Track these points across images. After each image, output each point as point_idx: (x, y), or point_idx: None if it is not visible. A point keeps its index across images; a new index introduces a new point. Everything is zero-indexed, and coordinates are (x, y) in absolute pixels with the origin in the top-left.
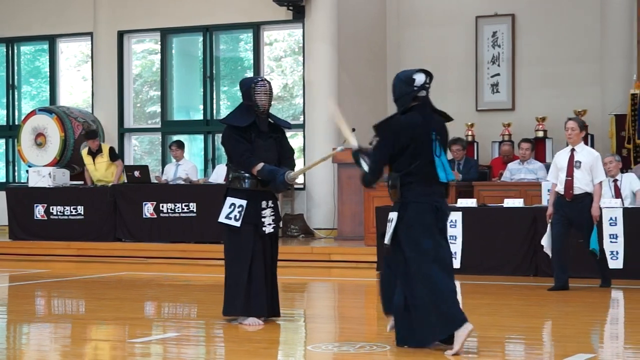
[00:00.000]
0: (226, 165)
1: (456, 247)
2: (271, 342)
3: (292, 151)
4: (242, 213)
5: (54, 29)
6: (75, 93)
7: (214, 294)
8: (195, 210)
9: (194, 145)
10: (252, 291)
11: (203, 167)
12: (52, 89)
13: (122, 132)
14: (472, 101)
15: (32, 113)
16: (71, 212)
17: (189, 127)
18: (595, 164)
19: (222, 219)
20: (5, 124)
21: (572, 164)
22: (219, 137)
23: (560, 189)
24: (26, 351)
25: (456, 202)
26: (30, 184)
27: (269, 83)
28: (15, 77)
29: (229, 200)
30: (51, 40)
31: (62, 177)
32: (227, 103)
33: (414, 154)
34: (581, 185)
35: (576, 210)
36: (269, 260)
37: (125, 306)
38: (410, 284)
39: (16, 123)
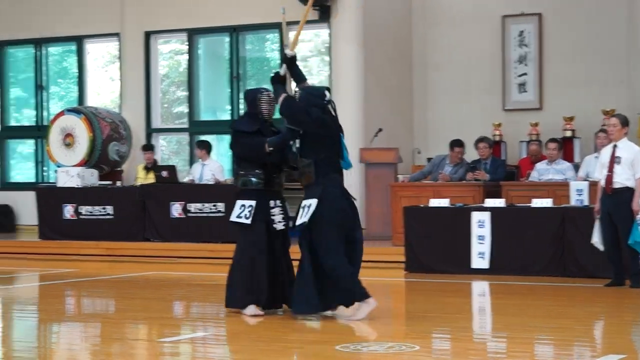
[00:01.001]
0: (233, 169)
1: (485, 247)
2: (300, 342)
3: (295, 155)
4: (252, 212)
5: (82, 30)
6: (103, 93)
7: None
8: (223, 210)
9: (221, 145)
10: (254, 283)
11: (231, 166)
12: (80, 89)
13: (150, 132)
14: (499, 101)
15: (61, 113)
16: (100, 212)
17: (216, 127)
18: (636, 159)
19: (233, 218)
20: (34, 124)
21: (613, 160)
22: None
23: (602, 183)
24: (56, 350)
25: (484, 202)
26: (59, 184)
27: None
28: (44, 77)
29: (239, 202)
30: (79, 41)
31: (91, 177)
32: None
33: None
34: (621, 180)
35: (615, 204)
36: (278, 255)
37: (154, 305)
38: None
39: (45, 123)
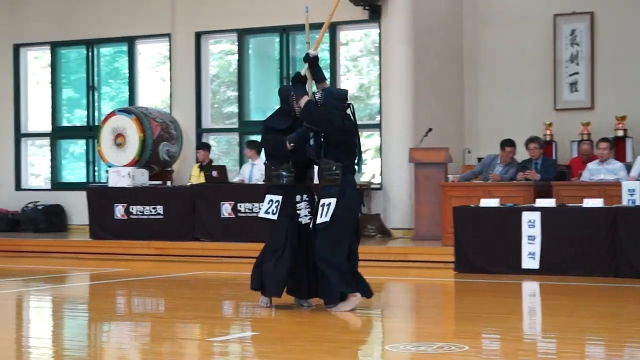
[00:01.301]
0: (264, 164)
1: (535, 247)
2: (349, 342)
3: (315, 150)
4: (279, 207)
5: (133, 31)
6: (153, 94)
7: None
8: None
9: None
10: (274, 276)
11: None
12: (131, 89)
13: (200, 132)
14: (550, 100)
15: (112, 114)
16: (150, 211)
17: None
18: None
19: (261, 214)
20: (85, 124)
21: None
22: None
23: None
24: (106, 349)
25: (534, 202)
26: (110, 184)
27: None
28: (95, 78)
29: (267, 197)
30: (130, 42)
31: (142, 177)
32: None
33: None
34: None
35: None
36: (303, 248)
37: (203, 305)
38: None
39: (96, 124)
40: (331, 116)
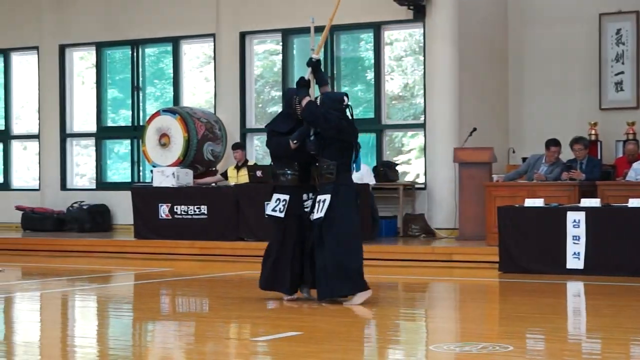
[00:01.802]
0: (270, 165)
1: (580, 247)
2: (393, 342)
3: (314, 144)
4: (286, 206)
5: (178, 31)
6: (198, 94)
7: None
8: None
9: None
10: (279, 272)
11: None
12: (175, 89)
13: (244, 132)
14: (595, 100)
15: (157, 114)
16: (195, 211)
17: None
18: None
19: (268, 211)
20: (130, 124)
21: None
22: None
23: None
24: (151, 348)
25: (579, 202)
26: (155, 184)
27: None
28: (140, 78)
29: (275, 196)
30: (175, 42)
31: (186, 176)
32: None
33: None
34: None
35: None
36: (311, 243)
37: (247, 305)
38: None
39: (141, 124)
40: (329, 115)
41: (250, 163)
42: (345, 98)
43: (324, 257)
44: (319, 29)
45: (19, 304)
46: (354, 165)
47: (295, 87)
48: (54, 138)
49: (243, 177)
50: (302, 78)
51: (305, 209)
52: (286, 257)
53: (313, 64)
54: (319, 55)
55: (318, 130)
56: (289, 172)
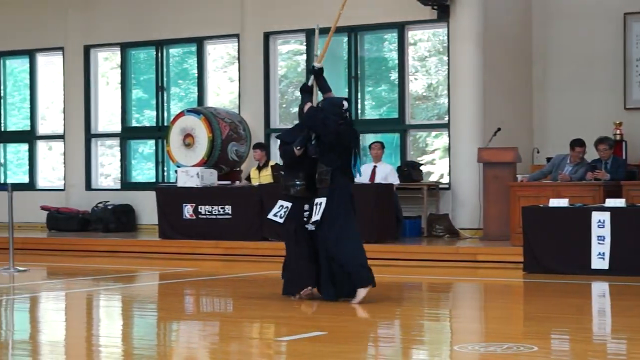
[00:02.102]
0: (280, 174)
1: (605, 248)
2: (417, 342)
3: (315, 148)
4: (287, 213)
5: (202, 32)
6: (222, 94)
7: None
8: None
9: None
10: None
11: None
12: (199, 90)
13: (269, 132)
14: (620, 99)
15: (181, 114)
16: (219, 211)
17: None
18: None
19: (270, 216)
20: (154, 125)
21: None
22: (363, 137)
23: None
24: (175, 348)
25: (604, 202)
26: (179, 184)
27: None
28: (165, 79)
29: (279, 202)
30: (199, 43)
31: (210, 176)
32: (371, 103)
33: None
34: None
35: None
36: (312, 247)
37: (272, 305)
38: None
39: (165, 124)
40: (327, 121)
41: (272, 163)
42: (345, 103)
43: (324, 258)
44: (324, 31)
45: (44, 303)
46: (355, 170)
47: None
48: (79, 138)
49: (266, 177)
50: (305, 84)
51: (305, 218)
52: (301, 256)
53: (315, 72)
54: (321, 63)
55: (319, 135)
56: (297, 182)
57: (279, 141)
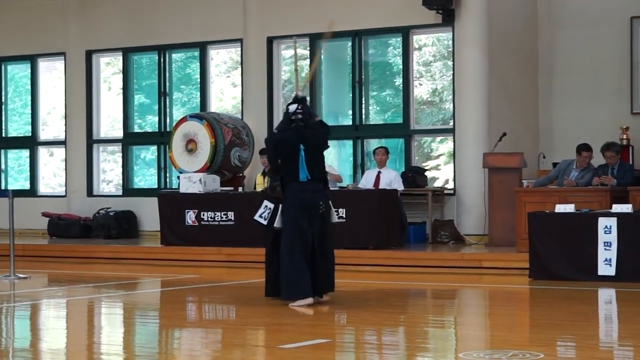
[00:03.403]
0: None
1: (611, 254)
2: (422, 349)
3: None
4: (270, 214)
5: (205, 36)
6: (225, 99)
7: (366, 300)
8: (344, 215)
9: (342, 151)
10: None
11: (352, 172)
12: (202, 95)
13: None
14: (627, 104)
15: (183, 119)
16: (222, 217)
17: (338, 132)
18: None
19: (256, 217)
20: (157, 130)
21: None
22: (367, 143)
23: None
24: (177, 356)
25: (611, 208)
26: (182, 190)
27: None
28: (167, 84)
29: (264, 202)
30: (202, 47)
31: (213, 183)
32: (376, 108)
33: (286, 161)
34: None
35: None
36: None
37: (275, 312)
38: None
39: (168, 130)
40: (269, 139)
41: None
42: (293, 106)
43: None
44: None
45: (45, 310)
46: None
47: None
48: (80, 144)
49: None
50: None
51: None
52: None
53: (297, 101)
54: (303, 92)
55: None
56: (279, 187)
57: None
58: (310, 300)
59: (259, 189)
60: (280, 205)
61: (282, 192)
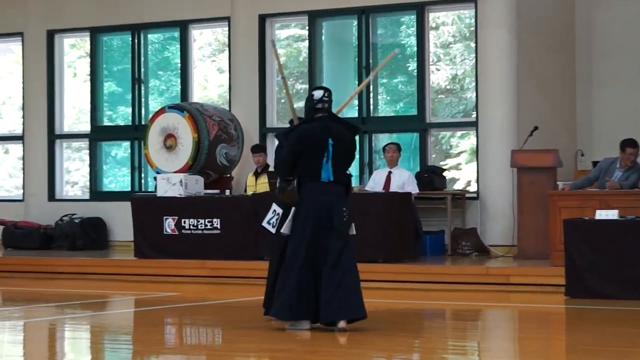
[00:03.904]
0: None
1: None
2: None
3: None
4: (278, 220)
5: (186, 14)
6: (209, 87)
7: (375, 322)
8: None
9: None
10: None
11: (358, 172)
12: (183, 82)
13: (264, 132)
14: None
15: (161, 111)
16: (206, 225)
17: None
18: None
19: (264, 222)
20: (130, 123)
21: None
22: (376, 138)
23: None
24: None
25: None
26: (159, 193)
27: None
28: (142, 69)
29: (273, 206)
30: (183, 27)
31: (195, 185)
32: (386, 98)
33: (309, 157)
34: None
35: None
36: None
37: (268, 335)
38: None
39: (143, 123)
40: (289, 129)
41: (272, 169)
42: (318, 93)
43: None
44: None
45: None
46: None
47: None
48: (40, 140)
49: (263, 185)
50: (291, 121)
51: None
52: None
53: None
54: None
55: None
56: (290, 184)
57: (276, 141)
58: (307, 324)
59: (250, 191)
60: (293, 208)
61: (298, 194)
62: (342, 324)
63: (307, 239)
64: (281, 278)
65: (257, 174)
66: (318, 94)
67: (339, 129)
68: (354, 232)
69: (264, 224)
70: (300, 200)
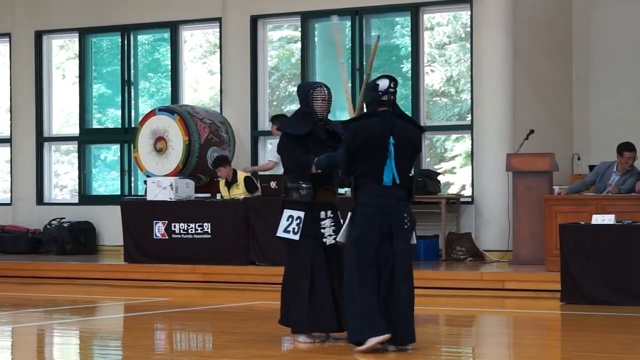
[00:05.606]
0: (282, 175)
1: None
2: None
3: (339, 175)
4: (301, 225)
5: (177, 15)
6: (200, 89)
7: None
8: None
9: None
10: (317, 306)
11: None
12: (173, 84)
13: (256, 135)
14: None
15: (151, 113)
16: (196, 230)
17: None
18: None
19: (280, 233)
20: (120, 126)
21: None
22: None
23: None
24: None
25: None
26: (149, 197)
27: (328, 89)
28: (132, 71)
29: (287, 212)
30: (173, 28)
31: (186, 188)
32: None
33: (367, 156)
34: None
35: None
36: (335, 272)
37: (259, 341)
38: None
39: (133, 125)
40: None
41: (244, 175)
42: (384, 83)
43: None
44: None
45: None
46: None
47: (307, 81)
48: (28, 143)
49: (239, 194)
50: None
51: (322, 229)
52: (321, 291)
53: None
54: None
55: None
56: (303, 185)
57: (275, 143)
58: (387, 336)
59: (225, 198)
60: (349, 213)
61: (355, 196)
62: (392, 347)
63: (372, 248)
64: (347, 295)
65: (228, 184)
66: (384, 84)
67: (403, 126)
68: (415, 242)
69: (280, 234)
70: (357, 205)
